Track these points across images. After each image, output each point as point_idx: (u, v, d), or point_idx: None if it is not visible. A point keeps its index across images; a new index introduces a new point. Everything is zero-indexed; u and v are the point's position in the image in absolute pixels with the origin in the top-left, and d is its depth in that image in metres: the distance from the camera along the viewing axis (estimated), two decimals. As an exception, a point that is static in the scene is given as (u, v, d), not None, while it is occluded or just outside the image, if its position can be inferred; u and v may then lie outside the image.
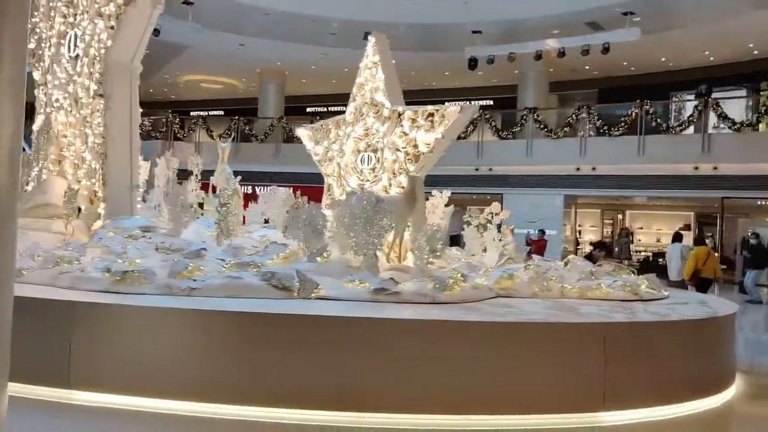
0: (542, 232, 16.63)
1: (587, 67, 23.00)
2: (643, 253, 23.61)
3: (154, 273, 5.41)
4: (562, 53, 20.64)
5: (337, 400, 4.51)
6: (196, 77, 28.09)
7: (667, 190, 20.09)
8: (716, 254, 20.40)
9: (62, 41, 8.49)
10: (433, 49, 22.32)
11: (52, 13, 8.70)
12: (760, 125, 18.32)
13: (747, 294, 14.81)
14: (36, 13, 9.08)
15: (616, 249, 23.58)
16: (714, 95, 20.58)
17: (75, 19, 8.32)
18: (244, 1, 19.62)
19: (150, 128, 25.43)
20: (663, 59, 22.23)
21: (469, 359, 4.63)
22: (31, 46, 9.15)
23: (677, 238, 12.95)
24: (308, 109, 28.56)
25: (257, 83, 27.27)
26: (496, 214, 7.47)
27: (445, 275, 5.75)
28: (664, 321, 5.18)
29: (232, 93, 30.12)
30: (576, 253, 20.40)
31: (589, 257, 10.59)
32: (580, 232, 24.55)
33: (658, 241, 23.21)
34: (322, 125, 8.43)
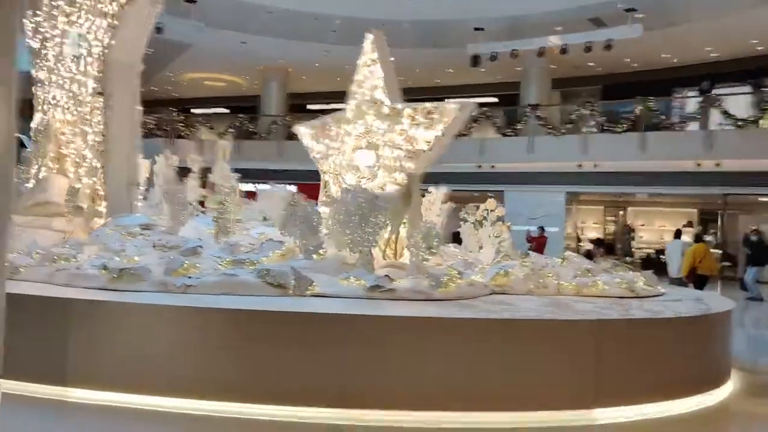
0: (542, 229, 16.61)
1: (590, 64, 22.93)
2: (645, 250, 23.56)
3: (149, 270, 5.45)
4: (564, 50, 20.59)
5: (332, 396, 4.55)
6: (200, 75, 28.13)
7: (670, 187, 20.04)
8: (717, 251, 20.49)
9: (65, 40, 8.54)
10: (436, 46, 22.30)
11: (55, 12, 8.75)
12: (763, 121, 18.25)
13: (748, 291, 14.78)
14: (39, 13, 9.13)
15: (619, 246, 23.57)
16: (716, 91, 20.50)
17: (77, 18, 8.37)
18: (246, -2, 19.69)
19: (153, 126, 25.51)
20: (666, 56, 22.15)
21: (463, 356, 4.66)
22: (36, 45, 9.21)
23: (678, 235, 12.93)
24: (311, 107, 28.54)
25: (260, 81, 27.30)
26: (492, 210, 7.47)
27: (440, 272, 5.78)
28: (656, 318, 5.19)
29: (236, 91, 30.16)
30: (578, 251, 20.39)
31: (588, 254, 10.59)
32: (582, 229, 24.51)
33: (661, 238, 23.14)
34: (321, 123, 8.42)
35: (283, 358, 4.62)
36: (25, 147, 9.45)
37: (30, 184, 8.67)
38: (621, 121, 19.70)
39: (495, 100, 25.84)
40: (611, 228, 25.46)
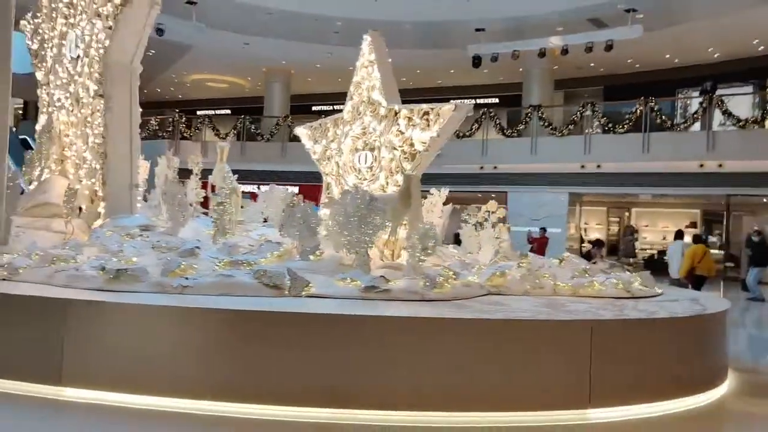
0: (543, 230, 16.61)
1: (592, 65, 22.94)
2: (648, 251, 23.53)
3: (147, 271, 5.48)
4: (565, 51, 20.61)
5: (326, 396, 4.56)
6: (203, 76, 28.24)
7: (672, 188, 20.02)
8: (719, 252, 20.45)
9: (63, 42, 8.59)
10: (437, 47, 22.35)
11: (54, 14, 8.81)
12: (766, 122, 18.21)
13: (749, 292, 14.76)
14: (39, 14, 9.20)
15: (622, 247, 23.53)
16: (719, 92, 20.47)
17: (75, 20, 8.42)
18: (248, 0, 19.71)
19: (156, 127, 25.61)
20: (668, 56, 22.14)
21: (456, 356, 4.67)
22: (35, 47, 9.28)
23: (679, 235, 12.92)
24: (314, 108, 28.64)
25: (263, 82, 27.38)
26: (493, 212, 7.49)
27: (436, 273, 5.79)
28: (650, 318, 5.19)
29: (239, 92, 30.26)
30: (581, 251, 20.38)
31: (587, 255, 10.60)
32: (585, 230, 24.49)
33: (664, 239, 23.11)
34: (320, 124, 8.48)
35: (277, 358, 4.64)
36: (31, 148, 9.52)
37: (32, 186, 8.74)
38: (624, 122, 19.69)
39: (497, 101, 25.88)
40: (615, 229, 25.44)
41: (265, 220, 8.74)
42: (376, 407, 4.56)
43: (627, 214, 25.21)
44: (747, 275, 15.34)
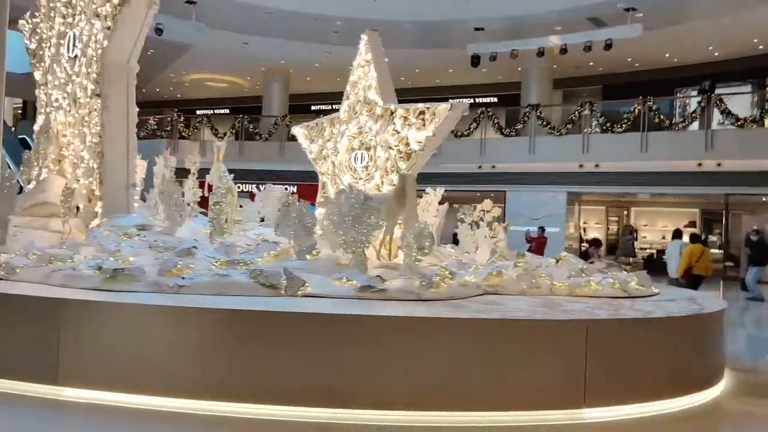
0: (542, 229, 16.61)
1: (591, 64, 22.94)
2: (647, 251, 23.54)
3: (143, 271, 5.48)
4: (564, 50, 20.61)
5: (322, 396, 4.57)
6: (202, 76, 28.24)
7: (671, 187, 20.03)
8: (719, 251, 20.45)
9: (62, 41, 8.59)
10: (436, 47, 22.35)
11: (52, 14, 8.80)
12: (765, 121, 18.22)
13: (749, 291, 14.77)
14: (37, 14, 9.19)
15: (621, 246, 23.52)
16: (718, 91, 20.48)
17: (73, 20, 8.42)
18: (247, 0, 19.72)
19: (155, 127, 25.62)
20: (667, 55, 22.14)
21: (452, 356, 4.67)
22: (33, 46, 9.28)
23: (677, 235, 12.92)
24: (313, 107, 28.64)
25: (262, 82, 27.38)
26: (488, 211, 7.50)
27: (432, 272, 5.80)
28: (646, 318, 5.20)
29: (238, 91, 30.27)
30: (580, 251, 20.40)
31: (585, 254, 10.61)
32: (585, 230, 24.50)
33: (663, 238, 23.14)
34: (317, 123, 8.49)
35: (273, 357, 4.65)
36: (30, 148, 9.52)
37: (30, 186, 8.74)
38: (622, 122, 19.70)
39: (496, 100, 25.88)
40: (614, 228, 25.45)
41: (262, 220, 8.75)
42: (372, 407, 4.57)
43: (626, 213, 25.22)
44: (746, 275, 15.35)
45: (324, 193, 8.18)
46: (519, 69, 23.10)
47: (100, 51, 7.91)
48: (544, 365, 4.75)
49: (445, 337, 4.73)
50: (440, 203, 8.57)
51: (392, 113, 7.24)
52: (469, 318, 4.86)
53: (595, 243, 12.11)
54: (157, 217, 8.19)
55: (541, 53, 21.03)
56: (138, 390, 4.66)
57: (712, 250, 21.63)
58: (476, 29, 20.82)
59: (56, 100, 8.58)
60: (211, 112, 30.12)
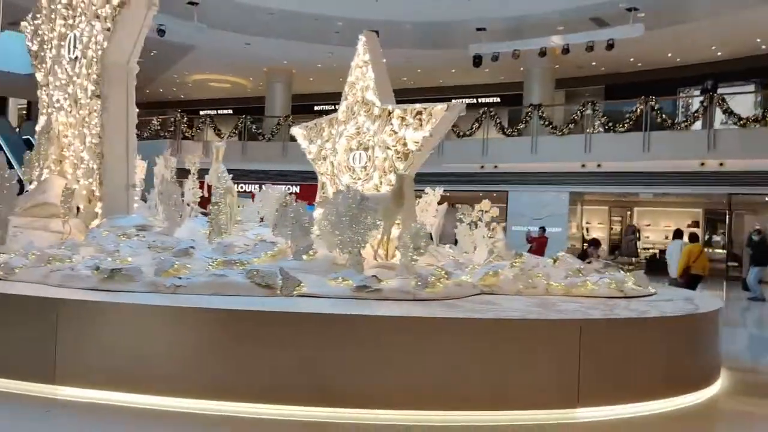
0: (543, 229, 16.61)
1: (594, 64, 22.93)
2: (650, 251, 23.50)
3: (140, 271, 5.52)
4: (566, 50, 20.61)
5: (317, 395, 4.60)
6: (204, 76, 28.33)
7: (673, 187, 20.00)
8: (722, 251, 20.39)
9: (62, 43, 8.64)
10: (438, 47, 22.38)
11: (53, 15, 8.85)
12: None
13: (750, 291, 14.74)
14: (39, 15, 9.25)
15: (624, 246, 23.50)
16: (721, 91, 20.43)
17: (74, 21, 8.47)
18: (249, 0, 19.77)
19: (158, 128, 25.71)
20: (669, 55, 22.11)
21: (446, 355, 4.69)
22: (34, 47, 9.33)
23: (678, 235, 12.91)
24: (315, 108, 28.69)
25: (264, 82, 27.44)
26: (486, 211, 7.51)
27: (428, 272, 5.82)
28: (639, 318, 5.21)
29: (241, 92, 30.35)
30: (582, 251, 20.35)
31: (584, 254, 10.62)
32: (587, 230, 24.47)
33: (666, 238, 23.08)
34: (315, 124, 8.53)
35: (268, 357, 4.68)
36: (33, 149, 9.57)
37: (32, 186, 8.80)
38: (624, 121, 19.67)
39: (498, 100, 25.89)
40: (617, 228, 25.42)
41: (262, 220, 8.79)
42: (367, 406, 4.59)
43: (629, 213, 25.19)
44: (747, 274, 15.32)
45: (323, 193, 8.21)
46: (521, 69, 23.11)
47: (100, 52, 7.96)
48: (537, 365, 4.77)
49: (439, 337, 4.75)
50: (439, 203, 8.60)
51: (390, 114, 7.27)
52: (463, 318, 4.88)
53: (594, 243, 12.12)
54: (157, 218, 8.23)
55: (543, 53, 21.04)
56: (134, 389, 4.69)
57: (716, 250, 21.63)
58: (478, 29, 20.84)
59: (57, 101, 8.63)
60: (215, 112, 30.21)
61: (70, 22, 8.53)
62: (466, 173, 21.15)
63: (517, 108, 23.07)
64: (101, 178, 7.88)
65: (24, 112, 31.78)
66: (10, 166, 8.25)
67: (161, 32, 19.66)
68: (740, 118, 18.14)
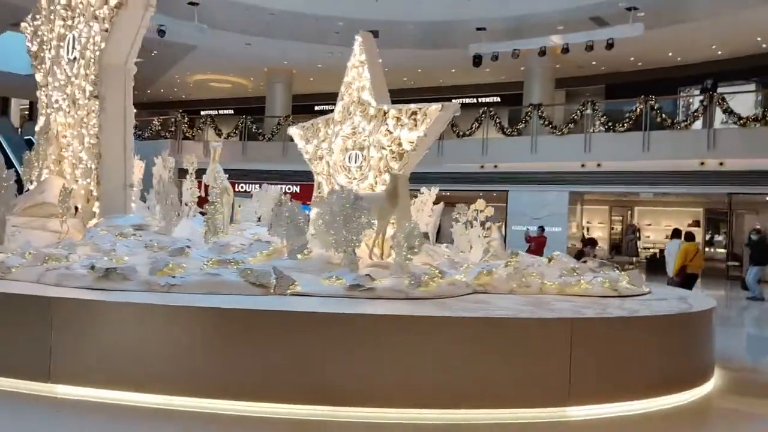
0: (542, 229, 16.61)
1: (594, 63, 22.91)
2: (651, 250, 23.49)
3: (135, 270, 5.56)
4: (565, 49, 20.61)
5: (310, 394, 4.63)
6: (205, 77, 28.38)
7: (673, 186, 19.98)
8: (723, 251, 20.36)
9: (61, 44, 8.69)
10: (438, 47, 22.38)
11: (53, 16, 8.90)
12: (768, 119, 18.16)
13: (749, 290, 14.73)
14: (38, 16, 9.30)
15: (624, 246, 23.49)
16: (721, 90, 20.41)
17: (73, 22, 8.52)
18: (249, 1, 19.81)
19: (159, 128, 25.77)
20: (670, 54, 22.08)
21: (437, 354, 4.71)
22: (34, 48, 9.39)
23: (676, 234, 12.90)
24: (316, 108, 28.73)
25: (265, 82, 27.48)
26: (481, 211, 7.54)
27: (422, 271, 5.84)
28: (631, 317, 5.23)
29: (242, 92, 30.39)
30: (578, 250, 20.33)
31: (580, 254, 10.64)
32: (588, 229, 24.46)
33: (667, 237, 23.06)
34: (312, 124, 8.57)
35: (261, 355, 4.71)
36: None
37: (31, 186, 8.85)
38: (624, 121, 19.67)
39: (498, 99, 25.89)
40: (617, 228, 25.41)
41: (259, 219, 8.83)
42: (360, 404, 4.62)
43: (629, 212, 25.18)
44: (746, 274, 15.32)
45: (319, 192, 8.24)
46: (521, 69, 23.11)
47: (97, 53, 8.01)
48: (528, 363, 4.79)
49: (431, 336, 4.77)
50: (435, 203, 8.62)
51: (385, 114, 7.30)
52: (454, 317, 4.90)
53: (590, 242, 12.13)
54: (155, 217, 8.28)
55: (543, 53, 21.04)
56: (129, 387, 4.73)
57: (717, 250, 21.63)
58: (478, 29, 20.84)
59: (56, 101, 8.68)
60: (215, 112, 30.26)
61: (69, 23, 8.57)
62: (466, 173, 21.16)
63: (517, 108, 23.06)
64: (99, 178, 7.93)
65: (26, 112, 31.89)
66: (12, 167, 8.30)
67: (162, 33, 19.71)
68: (740, 118, 18.11)
